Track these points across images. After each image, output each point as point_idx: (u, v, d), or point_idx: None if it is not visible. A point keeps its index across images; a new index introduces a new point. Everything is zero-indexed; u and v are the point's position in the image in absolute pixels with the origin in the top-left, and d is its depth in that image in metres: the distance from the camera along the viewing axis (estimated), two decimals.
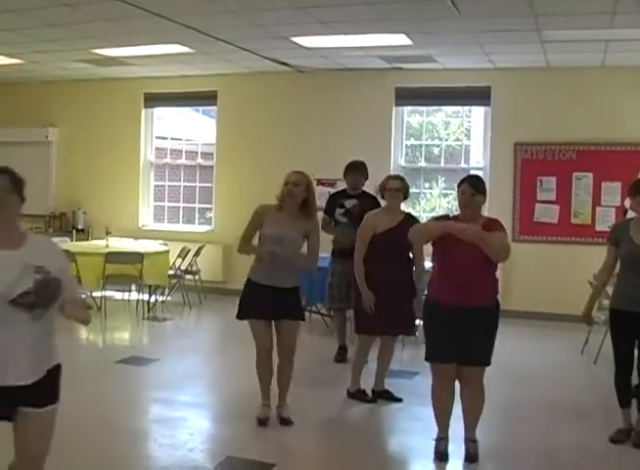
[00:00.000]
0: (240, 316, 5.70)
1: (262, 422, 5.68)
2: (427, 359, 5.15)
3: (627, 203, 7.98)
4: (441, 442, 5.16)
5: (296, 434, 5.61)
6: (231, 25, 8.43)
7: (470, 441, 5.14)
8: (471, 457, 5.09)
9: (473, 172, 11.23)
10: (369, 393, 6.54)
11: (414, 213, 7.23)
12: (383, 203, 6.76)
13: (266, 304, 5.56)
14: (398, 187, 6.37)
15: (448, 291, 4.92)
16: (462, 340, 4.89)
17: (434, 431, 5.21)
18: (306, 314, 9.71)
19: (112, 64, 11.02)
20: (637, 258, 5.26)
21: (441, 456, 5.11)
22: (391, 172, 10.28)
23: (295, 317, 5.72)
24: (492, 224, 4.96)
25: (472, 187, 4.91)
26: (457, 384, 5.15)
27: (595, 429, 5.66)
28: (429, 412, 5.34)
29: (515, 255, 4.96)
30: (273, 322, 5.69)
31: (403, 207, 6.75)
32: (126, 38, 9.28)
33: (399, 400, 6.45)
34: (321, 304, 9.23)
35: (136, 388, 6.87)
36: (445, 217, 5.21)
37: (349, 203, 7.76)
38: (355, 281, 6.79)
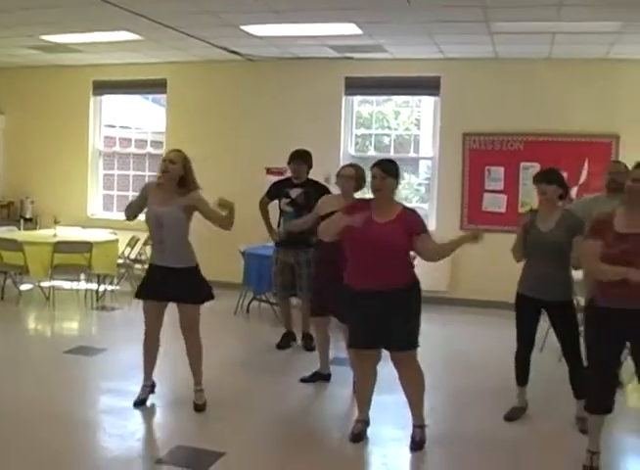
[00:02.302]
0: (136, 295, 5.82)
1: (139, 403, 5.84)
2: (349, 346, 5.30)
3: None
4: (357, 424, 5.30)
5: (246, 422, 5.63)
6: (180, 12, 8.35)
7: (416, 427, 5.15)
8: (415, 444, 5.08)
9: (423, 162, 11.40)
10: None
11: None
12: (334, 190, 6.82)
13: (156, 284, 5.61)
14: (350, 174, 6.36)
15: (359, 275, 4.99)
16: (382, 324, 4.92)
17: (388, 418, 5.29)
18: (256, 303, 9.85)
19: (60, 50, 10.87)
20: (541, 245, 5.45)
21: (355, 437, 5.22)
22: (341, 162, 10.36)
23: (185, 300, 5.63)
24: (415, 222, 4.99)
25: (382, 171, 4.99)
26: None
27: (538, 415, 5.77)
28: (381, 399, 5.48)
29: None
30: (169, 304, 5.74)
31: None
32: (75, 25, 9.14)
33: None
34: (270, 293, 9.28)
35: (85, 378, 6.81)
36: (364, 201, 5.23)
37: (295, 192, 7.66)
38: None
